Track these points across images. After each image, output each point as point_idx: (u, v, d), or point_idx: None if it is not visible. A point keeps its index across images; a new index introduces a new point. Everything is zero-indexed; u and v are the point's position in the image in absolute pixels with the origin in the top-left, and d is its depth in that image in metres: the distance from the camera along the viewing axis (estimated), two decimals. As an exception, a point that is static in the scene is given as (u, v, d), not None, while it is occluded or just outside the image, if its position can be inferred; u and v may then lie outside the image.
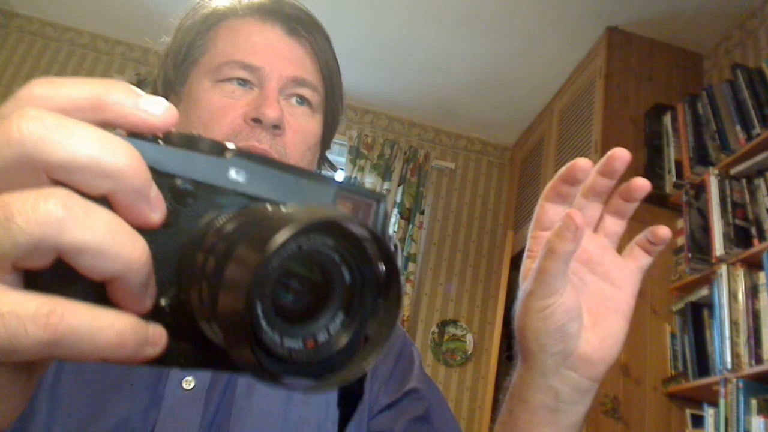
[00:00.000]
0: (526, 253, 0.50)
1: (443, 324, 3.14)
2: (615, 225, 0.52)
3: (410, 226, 3.13)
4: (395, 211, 3.16)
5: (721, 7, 2.36)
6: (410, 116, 3.45)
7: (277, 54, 0.64)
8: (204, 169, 0.25)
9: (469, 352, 3.10)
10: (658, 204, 2.20)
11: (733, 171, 1.94)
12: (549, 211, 0.49)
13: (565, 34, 2.63)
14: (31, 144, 0.20)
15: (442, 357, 3.09)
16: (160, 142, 0.24)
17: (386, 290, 0.25)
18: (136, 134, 0.24)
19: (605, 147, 2.29)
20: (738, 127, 1.95)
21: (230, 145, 0.26)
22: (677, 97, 2.33)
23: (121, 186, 0.21)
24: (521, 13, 2.58)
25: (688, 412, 1.94)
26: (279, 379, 0.22)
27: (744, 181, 1.91)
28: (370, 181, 3.17)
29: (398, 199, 3.17)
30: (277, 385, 0.22)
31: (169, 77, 0.66)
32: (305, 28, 0.66)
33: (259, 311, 0.21)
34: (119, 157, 0.21)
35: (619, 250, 0.53)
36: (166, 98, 0.74)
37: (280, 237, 0.20)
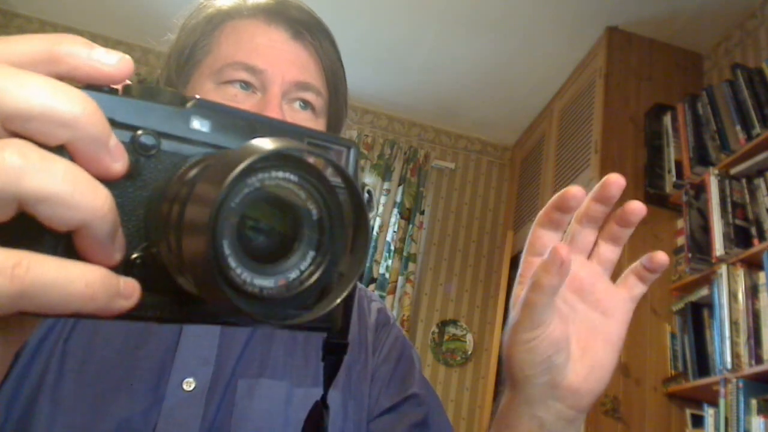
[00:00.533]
0: (517, 279, 0.48)
1: (443, 324, 3.14)
2: (609, 252, 0.50)
3: (410, 226, 3.13)
4: (395, 211, 3.16)
5: (721, 7, 2.36)
6: (410, 116, 3.45)
7: (280, 57, 0.63)
8: (166, 119, 0.25)
9: (469, 352, 3.10)
10: (658, 204, 2.21)
11: (733, 171, 1.94)
12: (542, 237, 0.47)
13: (565, 34, 2.63)
14: None
15: (442, 357, 3.09)
16: (119, 93, 0.24)
17: (356, 224, 0.25)
18: (93, 87, 0.23)
19: (605, 147, 2.30)
20: (738, 127, 1.95)
21: (192, 96, 0.26)
22: (677, 97, 2.33)
23: (78, 134, 0.21)
24: (521, 13, 2.58)
25: (688, 412, 1.94)
26: (255, 317, 0.22)
27: (744, 181, 1.91)
28: (370, 181, 3.17)
29: (398, 199, 3.17)
30: (254, 323, 0.22)
31: (171, 78, 0.65)
32: (310, 32, 0.65)
33: (226, 250, 0.21)
34: (74, 105, 0.21)
35: (621, 263, 0.52)
36: None
37: (237, 169, 0.20)
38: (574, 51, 2.70)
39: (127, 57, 0.24)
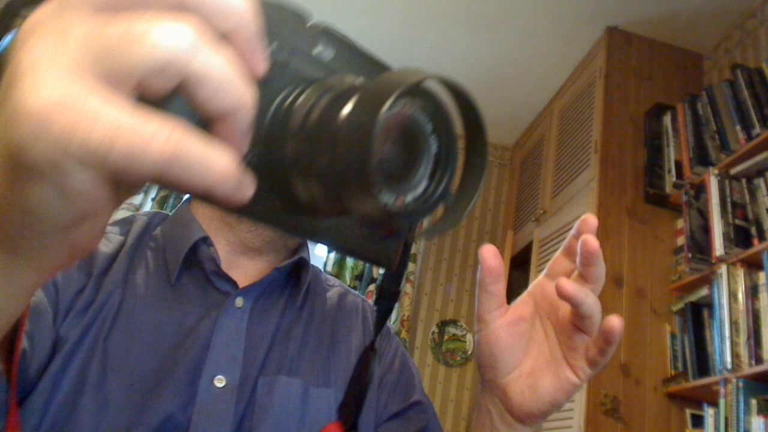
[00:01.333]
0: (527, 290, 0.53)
1: (443, 324, 3.14)
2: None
3: (410, 226, 3.13)
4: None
5: (721, 7, 2.36)
6: (410, 116, 3.45)
7: None
8: (296, 37, 0.26)
9: (469, 352, 3.10)
10: (658, 204, 2.21)
11: (733, 171, 1.94)
12: (561, 263, 0.51)
13: (565, 34, 2.63)
14: None
15: (442, 357, 3.09)
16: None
17: (471, 158, 0.27)
18: None
19: (605, 147, 2.30)
20: (738, 127, 1.95)
21: (315, 21, 0.27)
22: (677, 97, 2.33)
23: (241, 27, 0.22)
24: (521, 13, 2.58)
25: (688, 412, 1.94)
26: (391, 229, 0.24)
27: (744, 181, 1.91)
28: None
29: (398, 199, 3.17)
30: (384, 233, 0.24)
31: None
32: None
33: (374, 163, 0.22)
34: (244, 1, 0.22)
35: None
36: None
37: (396, 90, 0.22)
38: (574, 51, 2.70)
39: None
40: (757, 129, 1.88)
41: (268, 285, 0.65)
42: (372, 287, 2.99)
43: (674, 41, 2.55)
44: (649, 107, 2.37)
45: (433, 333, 3.11)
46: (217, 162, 0.20)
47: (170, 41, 0.19)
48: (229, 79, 0.21)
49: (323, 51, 0.27)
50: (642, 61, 2.50)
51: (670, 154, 2.21)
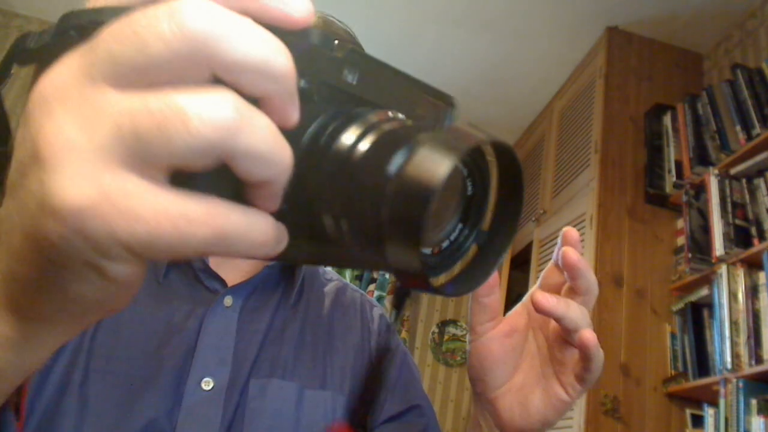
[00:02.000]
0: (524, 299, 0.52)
1: (443, 324, 3.14)
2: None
3: (410, 226, 3.13)
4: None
5: (721, 7, 2.36)
6: (410, 116, 3.45)
7: None
8: (320, 66, 0.24)
9: (469, 352, 3.10)
10: (658, 204, 2.21)
11: (733, 171, 1.94)
12: (553, 274, 0.50)
13: (565, 34, 2.63)
14: (205, 39, 0.18)
15: (442, 357, 3.09)
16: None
17: (505, 206, 0.26)
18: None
19: (605, 147, 2.30)
20: (738, 127, 1.95)
21: (337, 41, 0.25)
22: (677, 97, 2.33)
23: (280, 89, 0.21)
24: (521, 14, 2.58)
25: (688, 412, 1.94)
26: (426, 282, 0.22)
27: (744, 181, 1.91)
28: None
29: (398, 199, 3.16)
30: (418, 285, 0.23)
31: None
32: None
33: (428, 225, 0.21)
34: (284, 60, 0.20)
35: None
36: None
37: (456, 156, 0.21)
38: (574, 51, 2.70)
39: (311, 4, 0.23)
40: (757, 129, 1.88)
41: (259, 283, 0.63)
42: (372, 287, 2.99)
43: (674, 41, 2.55)
44: (649, 107, 2.37)
45: (433, 333, 3.11)
46: (260, 230, 0.20)
47: (210, 123, 0.18)
48: (271, 150, 0.20)
49: (348, 76, 0.25)
50: (642, 61, 2.50)
51: (670, 154, 2.21)
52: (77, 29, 0.20)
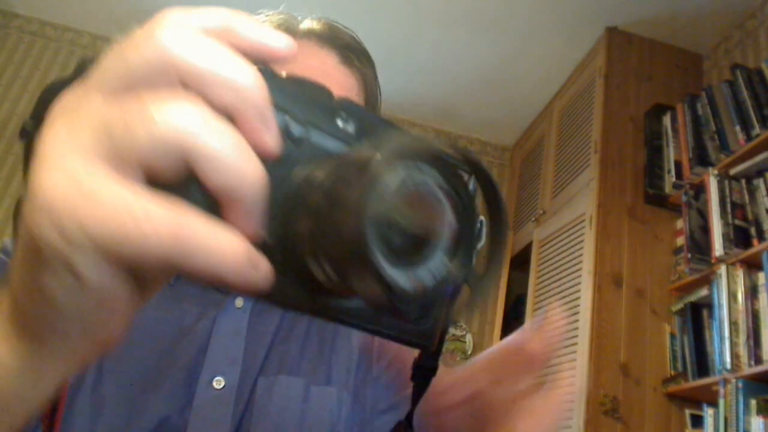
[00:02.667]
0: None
1: (443, 324, 3.14)
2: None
3: (410, 226, 3.13)
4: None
5: (721, 7, 2.36)
6: (410, 116, 3.45)
7: (330, 80, 0.66)
8: (314, 112, 0.25)
9: (469, 352, 3.10)
10: (657, 204, 2.21)
11: (733, 171, 1.94)
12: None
13: (565, 34, 2.63)
14: (175, 50, 0.21)
15: (442, 357, 3.09)
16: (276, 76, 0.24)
17: (493, 241, 0.25)
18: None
19: (605, 147, 2.30)
20: (738, 128, 1.95)
21: (334, 92, 0.26)
22: (677, 97, 2.33)
23: (245, 104, 0.22)
24: (521, 14, 2.58)
25: (687, 412, 1.94)
26: (398, 311, 0.22)
27: (743, 181, 1.92)
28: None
29: (398, 199, 3.17)
30: (393, 316, 0.22)
31: None
32: (358, 59, 0.69)
33: (373, 237, 0.21)
34: (249, 76, 0.22)
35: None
36: None
37: (386, 156, 0.21)
38: (574, 51, 2.70)
39: (293, 42, 0.25)
40: (757, 129, 1.88)
41: None
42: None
43: (674, 41, 2.55)
44: (649, 107, 2.37)
45: (433, 333, 3.11)
46: (225, 244, 0.20)
47: (171, 121, 0.20)
48: (233, 155, 0.21)
49: (343, 125, 0.25)
50: (642, 62, 2.50)
51: (670, 155, 2.22)
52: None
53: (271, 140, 0.22)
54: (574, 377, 2.02)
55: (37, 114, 0.24)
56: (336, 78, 0.67)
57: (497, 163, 3.53)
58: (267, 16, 0.72)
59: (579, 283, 2.17)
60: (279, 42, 0.24)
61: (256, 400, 0.57)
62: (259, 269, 0.21)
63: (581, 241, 2.24)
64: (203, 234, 0.20)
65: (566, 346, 2.14)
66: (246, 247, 0.21)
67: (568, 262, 2.31)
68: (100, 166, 0.19)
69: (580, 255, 2.21)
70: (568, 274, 2.28)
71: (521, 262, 2.87)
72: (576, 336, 2.07)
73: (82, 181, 0.19)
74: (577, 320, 2.10)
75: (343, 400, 0.61)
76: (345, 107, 0.26)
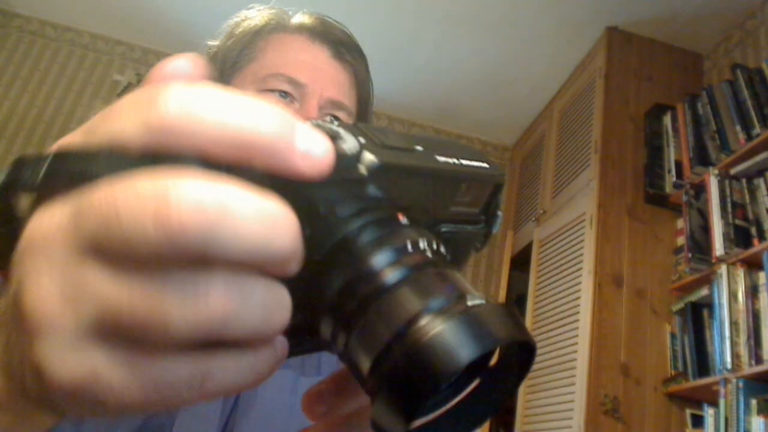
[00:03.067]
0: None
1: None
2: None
3: (410, 226, 3.13)
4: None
5: (721, 7, 2.36)
6: (410, 116, 3.45)
7: (321, 74, 0.67)
8: (342, 190, 0.22)
9: (469, 352, 3.10)
10: (658, 204, 2.21)
11: (733, 171, 1.94)
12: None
13: (565, 34, 2.63)
14: (192, 242, 0.17)
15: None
16: None
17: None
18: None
19: (605, 147, 2.30)
20: (738, 127, 1.95)
21: (369, 157, 0.22)
22: (677, 97, 2.33)
23: (278, 261, 0.19)
24: (521, 14, 2.58)
25: (688, 412, 1.94)
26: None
27: (744, 181, 1.91)
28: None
29: (398, 199, 3.17)
30: None
31: (214, 80, 0.68)
32: (350, 53, 0.70)
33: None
34: (284, 239, 0.18)
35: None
36: None
37: (486, 347, 0.20)
38: (574, 51, 2.70)
39: (330, 146, 0.20)
40: (757, 129, 1.88)
41: None
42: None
43: (674, 41, 2.55)
44: (649, 107, 2.37)
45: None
46: (247, 374, 0.20)
47: (191, 326, 0.17)
48: (261, 328, 0.19)
49: (374, 190, 0.23)
50: (642, 62, 2.50)
51: (670, 154, 2.22)
52: (69, 176, 0.19)
53: (294, 268, 0.20)
54: (574, 377, 2.02)
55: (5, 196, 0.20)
56: (328, 73, 0.67)
57: (497, 163, 3.52)
58: (258, 10, 0.72)
59: (579, 283, 2.17)
60: (317, 149, 0.20)
61: (243, 394, 0.56)
62: (279, 356, 0.21)
63: (581, 241, 2.24)
64: (229, 377, 0.20)
65: (566, 346, 2.14)
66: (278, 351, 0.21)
67: (569, 262, 2.31)
68: (111, 349, 0.18)
69: (581, 255, 2.21)
70: (569, 274, 2.28)
71: (521, 262, 2.87)
72: (576, 336, 2.07)
73: (98, 367, 0.18)
74: (577, 320, 2.10)
75: None
76: (375, 174, 0.23)
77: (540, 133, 3.09)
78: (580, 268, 2.19)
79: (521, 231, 3.01)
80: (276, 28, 0.69)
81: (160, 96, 0.19)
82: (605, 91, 2.40)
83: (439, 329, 0.20)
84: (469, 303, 0.21)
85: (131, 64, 3.27)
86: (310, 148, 0.20)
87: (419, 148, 0.25)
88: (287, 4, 0.73)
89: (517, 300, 2.90)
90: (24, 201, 0.20)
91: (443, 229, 0.27)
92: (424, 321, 0.20)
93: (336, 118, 0.68)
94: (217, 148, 0.19)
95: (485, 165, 0.28)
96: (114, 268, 0.18)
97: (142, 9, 2.95)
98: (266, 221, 0.18)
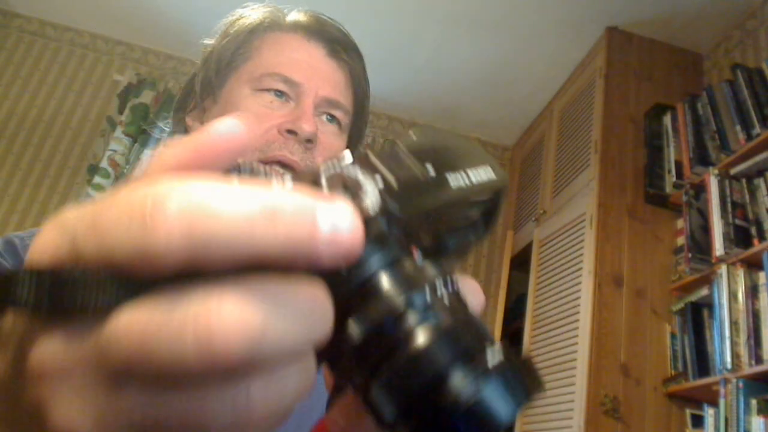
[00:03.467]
0: None
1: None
2: None
3: (410, 226, 3.13)
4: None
5: (721, 7, 2.36)
6: (410, 116, 3.45)
7: (317, 73, 0.67)
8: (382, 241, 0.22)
9: (469, 352, 3.10)
10: (658, 204, 2.21)
11: (733, 171, 1.94)
12: None
13: (565, 34, 2.63)
14: (242, 357, 0.16)
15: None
16: None
17: None
18: None
19: (605, 147, 2.30)
20: (738, 127, 1.95)
21: (391, 210, 0.22)
22: (677, 97, 2.33)
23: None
24: (521, 14, 2.58)
25: (688, 412, 1.94)
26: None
27: (744, 181, 1.91)
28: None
29: (398, 199, 3.17)
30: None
31: (210, 79, 0.68)
32: (346, 52, 0.70)
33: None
34: (325, 329, 0.18)
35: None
36: (204, 99, 0.74)
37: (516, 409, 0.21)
38: (574, 51, 2.70)
39: (354, 217, 0.19)
40: (757, 129, 1.88)
41: None
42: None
43: (674, 41, 2.55)
44: (649, 107, 2.37)
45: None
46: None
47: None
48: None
49: (392, 232, 0.23)
50: (642, 61, 2.50)
51: (670, 154, 2.22)
52: (65, 300, 0.17)
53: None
54: (574, 377, 2.02)
55: None
56: (323, 71, 0.67)
57: (497, 162, 3.52)
58: (253, 9, 0.71)
59: (579, 283, 2.17)
60: (344, 228, 0.18)
61: None
62: None
63: (581, 241, 2.24)
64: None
65: (566, 346, 2.14)
66: None
67: (569, 262, 2.31)
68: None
69: (581, 255, 2.21)
70: (569, 274, 2.28)
71: (521, 262, 2.87)
72: (576, 336, 2.07)
73: None
74: (577, 320, 2.10)
75: None
76: (409, 220, 0.24)
77: (540, 133, 3.09)
78: (580, 268, 2.19)
79: (521, 231, 3.01)
80: (271, 26, 0.69)
81: (157, 210, 0.16)
82: (605, 91, 2.40)
83: (471, 396, 0.20)
84: (489, 363, 0.22)
85: (131, 64, 3.27)
86: (335, 236, 0.18)
87: (430, 169, 0.25)
88: (283, 3, 0.73)
89: (517, 300, 2.90)
90: (9, 319, 0.19)
91: (450, 242, 0.27)
92: (458, 382, 0.21)
93: (333, 118, 0.68)
94: (233, 265, 0.17)
95: (492, 175, 0.28)
96: (149, 391, 0.17)
97: (142, 9, 2.95)
98: (309, 320, 0.17)
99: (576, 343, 2.06)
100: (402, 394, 0.21)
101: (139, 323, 0.16)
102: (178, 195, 0.16)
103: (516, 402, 0.21)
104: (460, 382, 0.21)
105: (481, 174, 0.27)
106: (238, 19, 0.71)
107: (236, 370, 0.16)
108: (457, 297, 0.24)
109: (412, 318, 0.22)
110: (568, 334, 2.16)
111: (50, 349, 0.17)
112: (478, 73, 2.97)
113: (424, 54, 2.92)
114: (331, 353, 0.22)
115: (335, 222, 0.18)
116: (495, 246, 3.31)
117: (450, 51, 2.88)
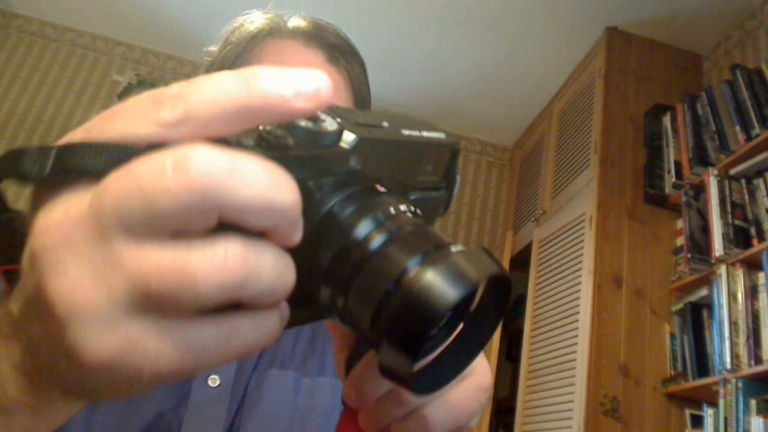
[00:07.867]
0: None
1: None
2: None
3: (410, 226, 3.13)
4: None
5: (721, 7, 2.37)
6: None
7: None
8: (328, 165, 0.25)
9: (469, 353, 3.10)
10: (657, 204, 2.21)
11: (733, 171, 1.94)
12: None
13: (565, 34, 2.64)
14: (210, 189, 0.19)
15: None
16: (289, 141, 0.23)
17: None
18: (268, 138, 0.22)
19: (605, 147, 2.30)
20: (737, 128, 1.95)
21: (348, 133, 0.24)
22: (677, 98, 2.33)
23: (283, 222, 0.21)
24: (521, 14, 2.58)
25: (687, 412, 1.94)
26: (407, 385, 0.24)
27: (743, 181, 1.92)
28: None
29: (398, 200, 3.17)
30: (404, 385, 0.24)
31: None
32: (345, 57, 0.69)
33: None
34: (289, 194, 0.21)
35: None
36: None
37: (473, 285, 0.23)
38: (574, 51, 2.70)
39: (325, 79, 0.23)
40: (757, 129, 1.88)
41: None
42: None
43: (674, 42, 2.56)
44: (649, 108, 2.37)
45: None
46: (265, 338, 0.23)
47: (217, 282, 0.19)
48: (274, 286, 0.21)
49: (355, 164, 0.25)
50: (641, 62, 2.50)
51: (670, 155, 2.22)
52: (78, 172, 0.20)
53: (297, 236, 0.22)
54: (573, 377, 2.02)
55: None
56: None
57: (497, 163, 3.53)
58: (254, 16, 0.72)
59: (579, 283, 2.17)
60: (307, 88, 0.22)
61: (248, 395, 0.57)
62: (283, 317, 0.23)
63: (581, 241, 2.24)
64: (250, 338, 0.22)
65: (566, 347, 2.14)
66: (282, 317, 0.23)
67: (568, 262, 2.31)
68: (145, 320, 0.19)
69: (580, 255, 2.21)
70: (568, 274, 2.28)
71: (521, 262, 2.87)
72: (576, 336, 2.07)
73: (134, 338, 0.19)
74: (577, 320, 2.10)
75: (337, 388, 0.61)
76: (357, 148, 0.25)
77: (539, 133, 3.10)
78: (580, 269, 2.19)
79: (521, 231, 3.01)
80: (271, 33, 0.69)
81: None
82: (605, 91, 2.40)
83: (428, 276, 0.22)
84: (453, 250, 0.24)
85: (131, 65, 3.27)
86: (301, 89, 0.22)
87: (386, 123, 0.27)
88: (286, 7, 0.73)
89: (517, 300, 2.90)
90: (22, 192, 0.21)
91: (412, 197, 0.30)
92: (413, 272, 0.23)
93: None
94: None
95: (442, 135, 0.31)
96: (141, 241, 0.19)
97: (142, 9, 2.95)
98: (271, 177, 0.20)
99: (576, 344, 2.06)
100: (371, 297, 0.23)
101: (128, 170, 0.19)
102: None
103: (468, 281, 0.23)
104: (417, 272, 0.23)
105: (433, 134, 0.30)
106: (239, 27, 0.71)
107: (211, 206, 0.19)
108: (416, 215, 0.27)
109: (376, 234, 0.24)
110: (567, 335, 2.16)
111: (50, 218, 0.20)
112: (477, 73, 2.98)
113: (423, 54, 2.92)
114: (309, 287, 0.25)
115: (305, 80, 0.22)
116: (495, 246, 3.31)
117: (449, 51, 2.88)
